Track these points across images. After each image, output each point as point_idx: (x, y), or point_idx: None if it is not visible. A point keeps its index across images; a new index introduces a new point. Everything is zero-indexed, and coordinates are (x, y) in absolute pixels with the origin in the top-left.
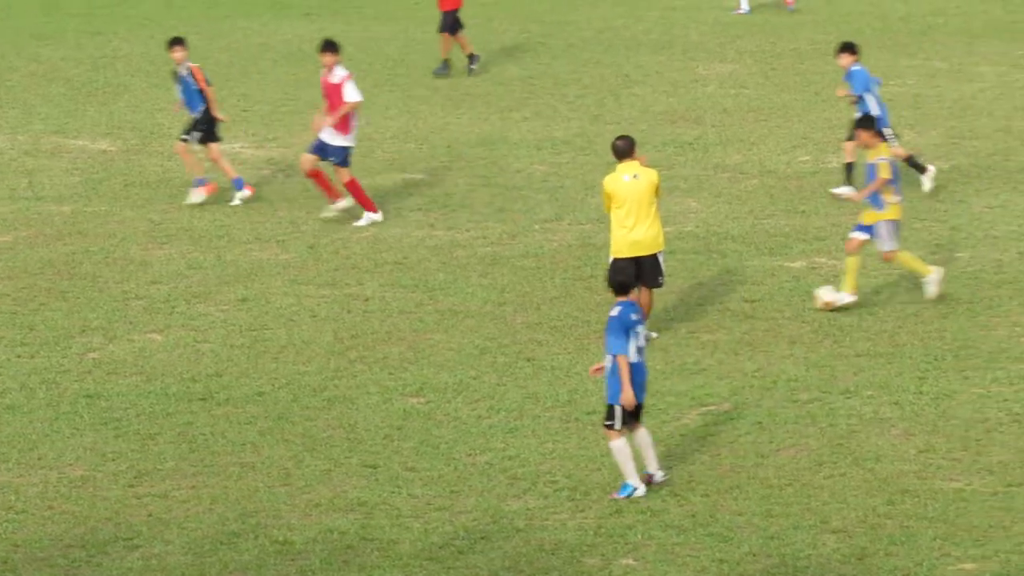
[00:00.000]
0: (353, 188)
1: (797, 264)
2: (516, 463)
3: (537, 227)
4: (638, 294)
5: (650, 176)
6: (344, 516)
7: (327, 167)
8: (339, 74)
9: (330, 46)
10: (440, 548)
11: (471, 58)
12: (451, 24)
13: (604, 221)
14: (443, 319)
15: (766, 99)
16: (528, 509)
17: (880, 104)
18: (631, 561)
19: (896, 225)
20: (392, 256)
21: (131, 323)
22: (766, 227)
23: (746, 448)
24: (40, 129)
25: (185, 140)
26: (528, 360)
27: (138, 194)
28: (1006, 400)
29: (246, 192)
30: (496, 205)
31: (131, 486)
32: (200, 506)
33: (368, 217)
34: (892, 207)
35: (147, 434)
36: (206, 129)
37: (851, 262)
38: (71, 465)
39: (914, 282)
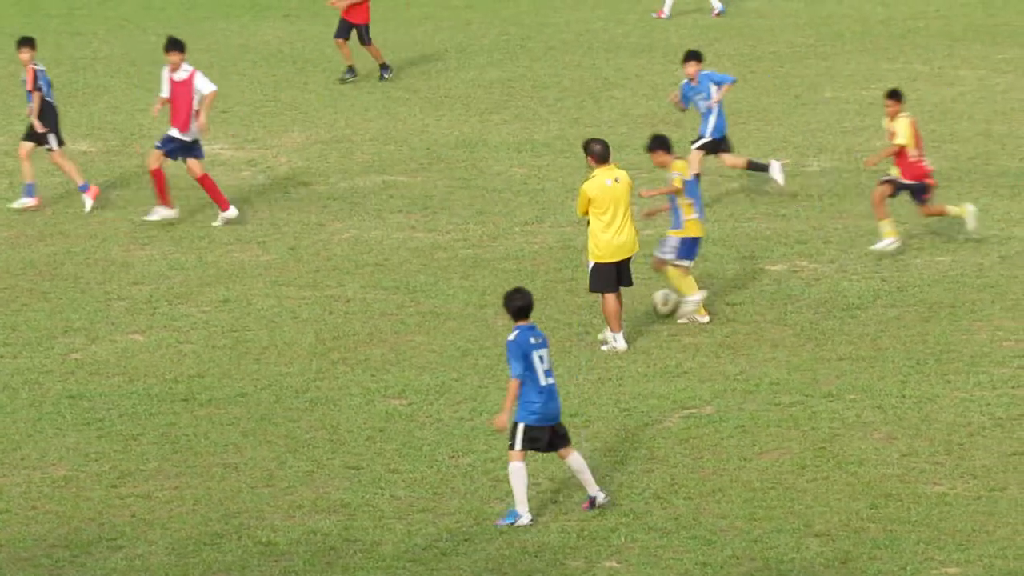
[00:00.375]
0: (157, 177)
1: (778, 267)
2: (499, 465)
3: (518, 229)
4: (616, 297)
5: (626, 178)
6: (327, 517)
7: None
8: (187, 69)
9: (176, 45)
10: (423, 550)
11: (350, 69)
12: (346, 32)
13: (584, 224)
14: (425, 321)
15: (746, 102)
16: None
17: (720, 114)
18: (614, 564)
19: (691, 243)
20: (373, 258)
21: (113, 324)
22: (747, 230)
23: (729, 451)
24: (20, 130)
25: (51, 149)
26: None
27: (119, 195)
28: (988, 404)
29: (30, 201)
30: (476, 207)
31: (114, 486)
32: (183, 507)
33: (159, 212)
34: (690, 224)
35: (130, 435)
36: (51, 128)
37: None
38: (54, 465)
39: (896, 285)
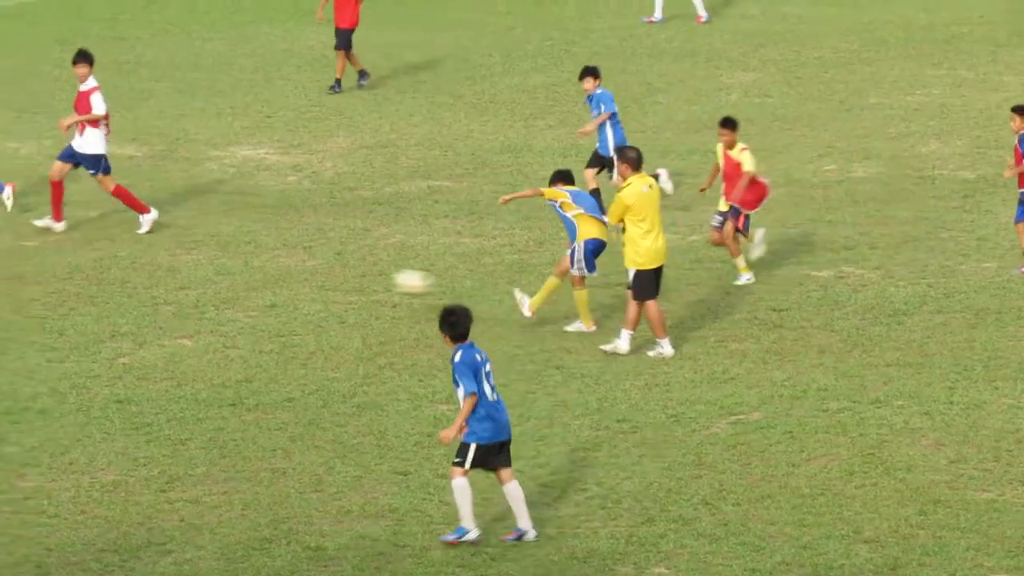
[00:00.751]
0: (120, 194)
1: (824, 273)
2: (547, 471)
3: (564, 234)
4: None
5: (656, 185)
6: (376, 523)
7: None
8: (89, 84)
9: (83, 56)
10: (472, 555)
11: (361, 74)
12: (346, 42)
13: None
14: (472, 326)
15: (790, 108)
16: (559, 517)
17: (617, 128)
18: (663, 570)
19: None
20: (419, 263)
21: (161, 328)
22: (793, 236)
23: (777, 457)
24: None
25: None
26: (557, 368)
27: (165, 200)
28: None
29: None
30: (522, 213)
31: (163, 491)
32: (232, 512)
33: (146, 219)
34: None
35: (178, 439)
36: None
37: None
38: (102, 470)
39: (943, 291)
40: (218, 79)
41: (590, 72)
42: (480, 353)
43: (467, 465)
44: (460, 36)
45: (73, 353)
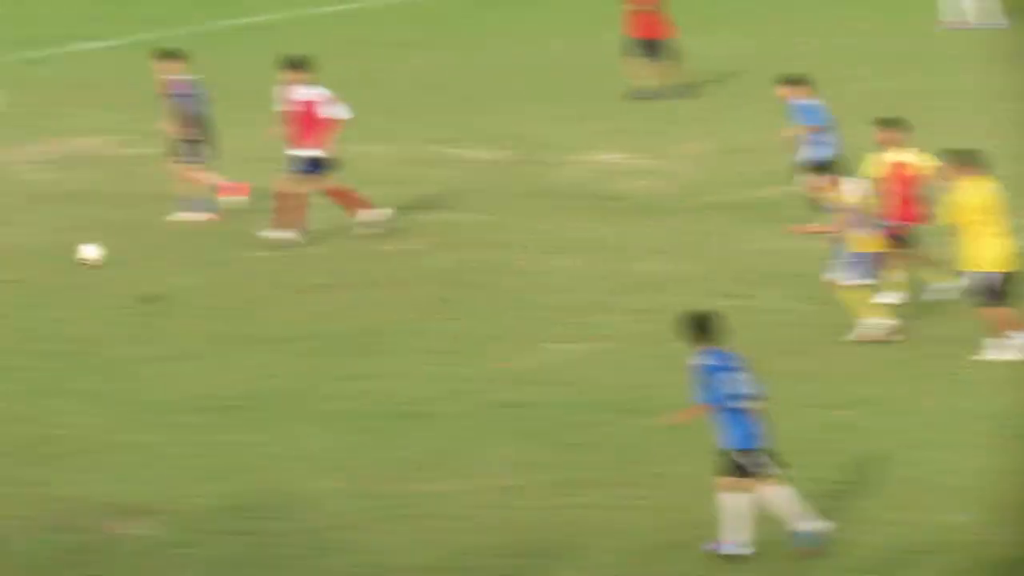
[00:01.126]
0: (334, 195)
1: None
2: (954, 478)
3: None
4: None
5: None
6: (781, 526)
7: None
8: (319, 91)
9: (296, 64)
10: (901, 552)
11: (649, 89)
12: (658, 50)
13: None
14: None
15: None
16: (961, 525)
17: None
18: None
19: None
20: (791, 268)
21: (538, 332)
22: None
23: None
24: (423, 137)
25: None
26: (948, 373)
27: (525, 204)
28: None
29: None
30: None
31: (555, 496)
32: (629, 517)
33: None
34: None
35: (569, 444)
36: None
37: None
38: (495, 474)
39: None
40: (567, 83)
41: (794, 81)
42: (722, 357)
43: (735, 474)
44: (808, 42)
45: (455, 357)
